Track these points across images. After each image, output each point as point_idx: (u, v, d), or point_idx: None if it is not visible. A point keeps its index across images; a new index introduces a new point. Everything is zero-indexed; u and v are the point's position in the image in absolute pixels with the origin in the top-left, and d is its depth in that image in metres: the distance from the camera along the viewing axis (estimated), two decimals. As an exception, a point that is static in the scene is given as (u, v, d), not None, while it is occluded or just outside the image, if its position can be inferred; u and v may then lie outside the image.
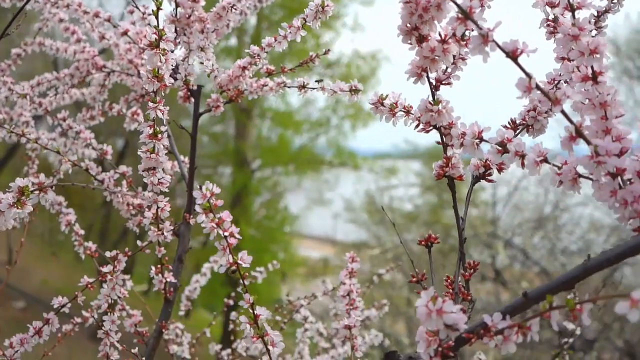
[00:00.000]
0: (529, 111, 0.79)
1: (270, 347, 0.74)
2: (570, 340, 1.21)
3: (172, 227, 1.02)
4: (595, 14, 0.85)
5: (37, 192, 0.74)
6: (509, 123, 0.80)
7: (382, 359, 0.67)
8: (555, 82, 0.81)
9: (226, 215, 0.72)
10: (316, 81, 1.07)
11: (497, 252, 6.17)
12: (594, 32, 0.84)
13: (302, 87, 1.07)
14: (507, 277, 6.47)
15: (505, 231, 6.79)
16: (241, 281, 0.73)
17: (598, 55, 0.61)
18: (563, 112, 0.58)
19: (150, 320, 1.44)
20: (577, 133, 0.59)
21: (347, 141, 11.50)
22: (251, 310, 0.74)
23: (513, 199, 7.20)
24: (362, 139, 11.87)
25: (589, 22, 0.84)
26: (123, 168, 1.15)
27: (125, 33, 1.15)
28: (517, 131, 0.79)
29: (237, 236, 0.72)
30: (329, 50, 1.14)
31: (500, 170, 0.78)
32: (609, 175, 0.59)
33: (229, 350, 1.44)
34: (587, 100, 0.65)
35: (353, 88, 0.97)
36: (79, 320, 1.19)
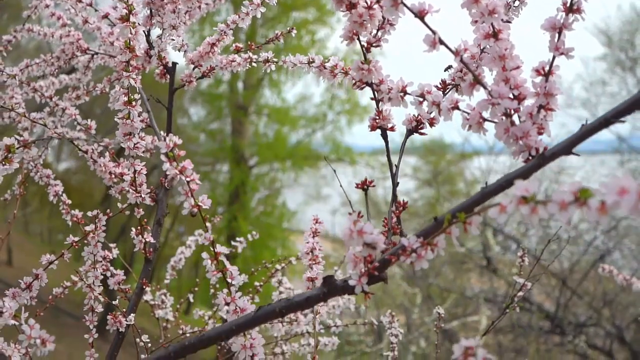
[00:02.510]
0: (457, 72, 0.89)
1: (229, 280, 0.84)
2: (521, 294, 1.31)
3: (149, 190, 1.12)
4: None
5: (21, 148, 0.84)
6: (440, 83, 0.90)
7: (321, 283, 0.77)
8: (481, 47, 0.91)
9: (188, 164, 0.82)
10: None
11: (487, 240, 6.28)
12: (517, 3, 0.94)
13: (267, 61, 1.17)
14: (500, 266, 6.60)
15: (496, 220, 6.89)
16: (203, 222, 0.84)
17: (496, 15, 0.71)
18: (462, 61, 0.68)
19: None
20: (476, 80, 0.69)
21: (343, 137, 11.59)
22: (212, 248, 0.84)
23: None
24: (359, 135, 11.96)
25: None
26: (106, 140, 1.26)
27: (106, 16, 1.25)
28: (447, 90, 0.89)
29: (198, 182, 0.82)
30: (292, 28, 1.24)
31: (431, 124, 0.88)
32: (503, 115, 0.69)
33: (210, 313, 1.55)
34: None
35: (310, 60, 1.07)
36: (68, 283, 1.29)
